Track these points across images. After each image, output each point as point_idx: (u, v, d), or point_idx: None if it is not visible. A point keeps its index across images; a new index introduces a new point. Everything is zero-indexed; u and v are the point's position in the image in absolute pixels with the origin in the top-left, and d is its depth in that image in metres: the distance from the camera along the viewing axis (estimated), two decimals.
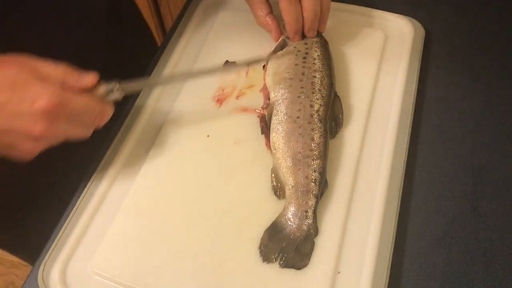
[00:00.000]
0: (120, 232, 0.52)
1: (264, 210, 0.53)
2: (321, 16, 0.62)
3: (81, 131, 0.50)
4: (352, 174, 0.56)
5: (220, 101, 0.63)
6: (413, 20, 0.70)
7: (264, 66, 0.64)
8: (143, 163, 0.57)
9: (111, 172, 0.57)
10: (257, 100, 0.62)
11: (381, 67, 0.66)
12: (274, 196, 0.53)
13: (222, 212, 0.53)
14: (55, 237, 0.52)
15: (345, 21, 0.70)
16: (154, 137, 0.59)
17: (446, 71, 0.67)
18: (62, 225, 0.53)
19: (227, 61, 0.66)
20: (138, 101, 0.63)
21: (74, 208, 0.54)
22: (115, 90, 0.53)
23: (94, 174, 0.56)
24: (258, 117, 0.60)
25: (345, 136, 0.59)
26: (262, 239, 0.50)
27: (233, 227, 0.52)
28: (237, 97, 0.63)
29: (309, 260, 0.50)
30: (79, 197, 0.55)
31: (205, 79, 0.64)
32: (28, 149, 0.48)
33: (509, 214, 0.55)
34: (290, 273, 0.49)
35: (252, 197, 0.54)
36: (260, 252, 0.50)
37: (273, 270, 0.49)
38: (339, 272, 0.49)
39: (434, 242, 0.53)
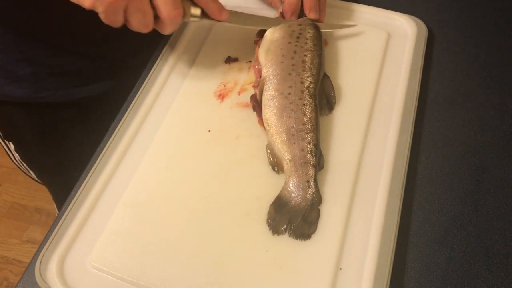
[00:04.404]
0: (119, 225, 0.52)
1: (266, 203, 0.52)
2: (319, 5, 0.63)
3: (142, 20, 0.53)
4: (354, 173, 0.55)
5: (221, 96, 0.62)
6: (416, 18, 0.70)
7: (256, 41, 0.64)
8: (143, 157, 0.57)
9: (111, 165, 0.56)
10: None
11: (384, 66, 0.65)
12: (276, 190, 0.53)
13: (223, 206, 0.53)
14: (53, 230, 0.52)
15: (348, 20, 0.70)
16: (155, 131, 0.59)
17: (449, 70, 0.67)
18: (60, 218, 0.52)
19: (229, 57, 0.66)
20: (139, 95, 0.62)
21: (73, 201, 0.53)
22: (194, 15, 0.57)
23: (94, 167, 0.56)
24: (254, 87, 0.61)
25: (347, 134, 0.58)
26: (269, 213, 0.52)
27: (234, 221, 0.52)
28: (239, 93, 0.62)
29: (317, 227, 0.51)
30: (78, 189, 0.54)
31: (207, 75, 0.64)
32: (87, 3, 0.50)
33: (511, 214, 0.54)
34: (292, 267, 0.49)
35: (254, 192, 0.53)
36: (269, 225, 0.51)
37: (274, 266, 0.49)
38: (340, 269, 0.49)
39: (436, 240, 0.53)
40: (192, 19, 0.58)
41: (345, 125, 0.59)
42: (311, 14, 0.63)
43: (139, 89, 0.63)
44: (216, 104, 0.61)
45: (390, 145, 0.57)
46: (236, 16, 0.62)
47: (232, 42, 0.67)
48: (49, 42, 0.68)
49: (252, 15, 0.64)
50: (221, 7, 0.59)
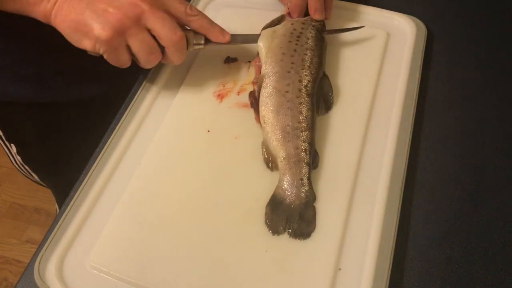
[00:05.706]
0: (118, 226, 0.52)
1: (265, 203, 0.52)
2: (326, 3, 0.63)
3: (147, 52, 0.54)
4: (353, 172, 0.55)
5: (221, 96, 0.62)
6: (415, 18, 0.70)
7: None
8: (143, 157, 0.57)
9: (110, 165, 0.56)
10: None
11: (383, 66, 0.65)
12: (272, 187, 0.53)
13: (222, 207, 0.53)
14: (52, 230, 0.52)
15: (348, 20, 0.70)
16: (154, 132, 0.59)
17: (448, 70, 0.67)
18: (59, 219, 0.52)
19: (228, 57, 0.66)
20: (138, 95, 0.62)
21: (72, 201, 0.53)
22: (197, 43, 0.59)
23: (93, 167, 0.56)
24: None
25: (347, 134, 0.58)
26: (266, 214, 0.52)
27: (233, 221, 0.52)
28: (238, 93, 0.62)
29: (315, 225, 0.51)
30: (77, 189, 0.54)
31: (206, 75, 0.64)
32: (88, 45, 0.52)
33: (510, 214, 0.54)
34: (291, 268, 0.49)
35: (253, 192, 0.53)
36: (268, 226, 0.51)
37: (273, 266, 0.49)
38: (340, 269, 0.49)
39: (436, 240, 0.52)
40: (196, 47, 0.60)
41: (344, 125, 0.59)
42: (316, 15, 0.63)
43: (138, 89, 0.63)
44: (215, 104, 0.61)
45: (389, 144, 0.57)
46: (236, 37, 0.62)
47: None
48: (52, 42, 0.68)
49: (251, 34, 0.64)
50: (222, 30, 0.60)
